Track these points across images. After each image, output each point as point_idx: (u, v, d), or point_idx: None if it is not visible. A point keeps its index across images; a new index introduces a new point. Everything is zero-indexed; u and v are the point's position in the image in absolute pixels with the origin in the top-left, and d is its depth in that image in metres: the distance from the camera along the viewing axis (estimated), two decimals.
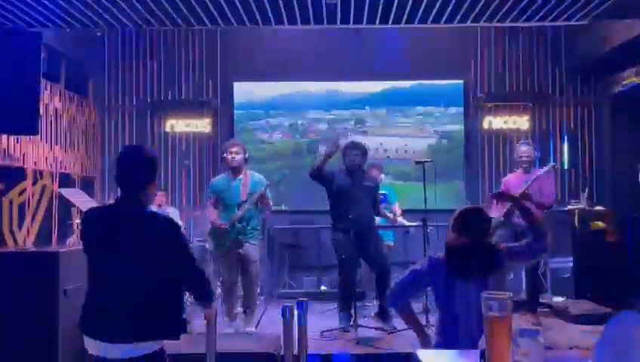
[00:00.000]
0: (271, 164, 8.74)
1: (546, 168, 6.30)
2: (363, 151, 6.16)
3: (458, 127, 8.79)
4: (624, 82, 7.68)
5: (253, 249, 5.93)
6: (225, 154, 6.00)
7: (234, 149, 5.93)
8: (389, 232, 7.36)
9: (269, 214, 6.33)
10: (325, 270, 8.15)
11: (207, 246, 7.12)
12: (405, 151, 8.70)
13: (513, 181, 6.39)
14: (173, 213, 7.75)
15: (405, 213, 7.45)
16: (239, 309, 6.12)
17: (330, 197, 6.16)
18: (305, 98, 8.90)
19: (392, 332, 5.81)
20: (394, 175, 8.50)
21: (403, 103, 8.82)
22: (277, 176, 6.16)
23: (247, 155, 6.02)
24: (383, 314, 6.06)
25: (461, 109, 8.80)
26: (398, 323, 6.06)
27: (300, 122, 8.90)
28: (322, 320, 6.24)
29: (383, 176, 7.41)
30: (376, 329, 5.93)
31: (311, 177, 6.10)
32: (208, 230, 6.13)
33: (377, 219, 6.71)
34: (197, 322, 5.87)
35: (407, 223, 7.34)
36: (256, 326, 5.97)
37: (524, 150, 6.36)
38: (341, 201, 6.04)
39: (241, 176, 5.94)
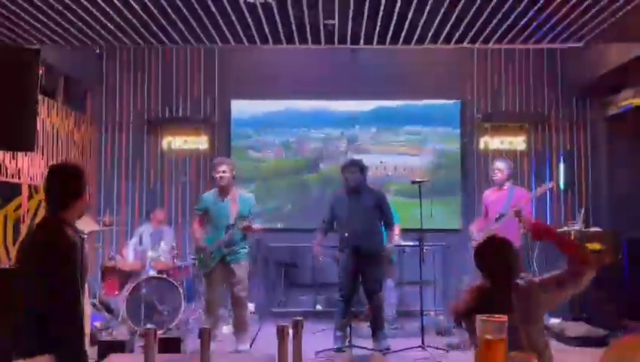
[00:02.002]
0: (269, 183, 8.74)
1: (544, 187, 6.41)
2: (361, 168, 6.15)
3: (450, 146, 8.79)
4: (620, 103, 7.72)
5: (240, 268, 5.91)
6: (213, 173, 6.03)
7: (222, 168, 5.94)
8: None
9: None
10: (321, 289, 8.11)
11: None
12: (404, 169, 8.71)
13: (491, 197, 6.46)
14: (168, 232, 7.74)
15: (402, 231, 7.44)
16: (218, 331, 6.07)
17: (334, 219, 6.20)
18: (294, 116, 8.88)
19: (387, 353, 5.78)
20: (394, 192, 8.48)
21: (393, 122, 8.82)
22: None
23: (234, 173, 6.04)
24: (376, 336, 6.03)
25: (451, 129, 8.80)
26: (393, 343, 6.04)
27: (291, 140, 8.89)
28: (317, 339, 6.20)
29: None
30: (371, 349, 5.90)
31: None
32: (195, 248, 6.15)
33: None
34: (190, 341, 5.85)
35: (403, 243, 7.33)
36: (250, 345, 5.93)
37: (496, 166, 6.43)
38: (340, 222, 6.06)
39: (229, 197, 5.95)
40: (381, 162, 8.72)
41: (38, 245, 2.70)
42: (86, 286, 3.18)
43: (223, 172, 5.92)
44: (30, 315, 2.64)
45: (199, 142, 8.74)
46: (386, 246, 6.25)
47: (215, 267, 5.89)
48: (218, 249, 5.84)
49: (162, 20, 5.70)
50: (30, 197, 6.93)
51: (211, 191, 6.25)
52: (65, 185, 2.85)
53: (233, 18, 5.64)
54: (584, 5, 5.24)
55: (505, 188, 6.41)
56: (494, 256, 3.03)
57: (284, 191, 8.78)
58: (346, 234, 5.88)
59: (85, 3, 5.25)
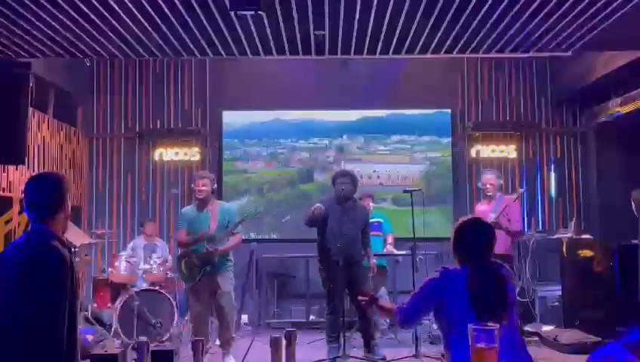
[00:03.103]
0: (266, 194, 8.73)
1: (515, 195, 6.43)
2: (352, 179, 6.16)
3: (442, 156, 8.82)
4: (609, 112, 7.79)
5: (224, 280, 5.89)
6: (193, 186, 6.05)
7: (202, 182, 5.96)
8: (382, 260, 7.35)
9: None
10: (314, 299, 8.09)
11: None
12: (397, 178, 8.73)
13: (480, 210, 6.49)
14: (161, 246, 7.71)
15: (395, 241, 7.45)
16: (210, 345, 6.04)
17: (320, 227, 6.16)
18: (281, 127, 8.88)
19: None
20: (390, 201, 8.49)
21: (383, 132, 8.84)
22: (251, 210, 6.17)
23: (214, 186, 6.06)
24: (368, 347, 6.01)
25: (442, 138, 8.84)
26: (386, 353, 6.03)
27: (279, 151, 8.89)
28: (311, 350, 6.18)
29: (372, 204, 7.42)
30: (366, 359, 5.88)
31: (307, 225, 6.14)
32: (179, 263, 6.12)
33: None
34: (183, 353, 5.81)
35: (396, 252, 7.33)
36: (244, 357, 5.89)
37: (487, 178, 6.45)
38: (330, 231, 6.03)
39: (209, 209, 5.95)
40: (374, 171, 8.75)
41: (31, 262, 2.60)
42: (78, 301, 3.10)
43: (203, 186, 5.94)
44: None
45: (190, 154, 8.74)
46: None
47: (200, 280, 5.87)
48: (202, 261, 5.83)
49: (153, 33, 5.72)
50: (21, 210, 6.90)
51: (190, 205, 6.29)
52: (51, 195, 2.77)
53: (224, 29, 5.66)
54: (571, 15, 5.30)
55: (494, 199, 6.43)
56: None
57: (283, 203, 8.75)
58: (338, 245, 5.87)
59: (75, 16, 5.25)
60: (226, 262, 5.95)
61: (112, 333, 6.61)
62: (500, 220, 5.98)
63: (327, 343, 6.03)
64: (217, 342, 6.21)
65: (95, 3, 4.99)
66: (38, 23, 5.39)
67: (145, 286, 6.79)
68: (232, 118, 8.85)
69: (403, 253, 7.19)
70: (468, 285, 2.92)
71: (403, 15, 5.35)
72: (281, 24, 5.52)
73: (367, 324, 6.07)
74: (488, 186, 6.41)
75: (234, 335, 6.14)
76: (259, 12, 5.14)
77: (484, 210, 6.44)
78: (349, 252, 5.91)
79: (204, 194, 5.94)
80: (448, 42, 6.08)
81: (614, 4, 5.06)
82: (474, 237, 3.17)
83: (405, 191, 6.47)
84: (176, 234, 6.38)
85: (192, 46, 6.10)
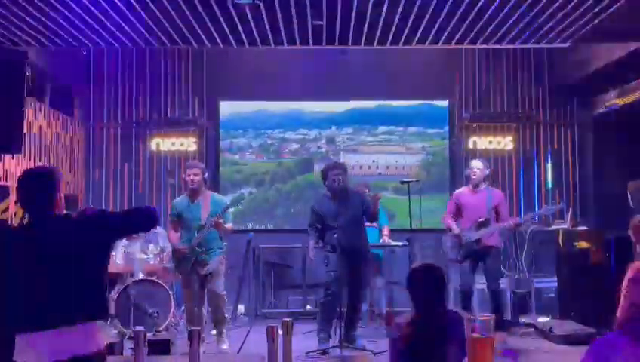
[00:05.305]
0: (261, 187, 8.71)
1: (555, 207, 6.51)
2: (343, 169, 6.20)
3: (439, 147, 8.81)
4: (607, 104, 7.79)
5: (214, 264, 5.91)
6: (184, 176, 6.05)
7: (193, 171, 5.96)
8: (379, 250, 7.36)
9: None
10: (311, 289, 8.11)
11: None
12: (396, 168, 8.72)
13: (467, 198, 6.49)
14: (160, 233, 7.70)
15: (392, 232, 7.46)
16: (209, 333, 6.05)
17: (323, 222, 6.17)
18: (266, 117, 8.80)
19: (378, 353, 5.78)
20: (391, 190, 8.46)
21: (379, 122, 8.78)
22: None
23: (205, 176, 6.05)
24: (348, 339, 5.98)
25: (439, 129, 8.81)
26: (383, 343, 6.05)
27: (269, 142, 8.85)
28: (307, 340, 6.19)
29: (368, 192, 7.42)
30: (361, 349, 5.91)
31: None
32: (171, 253, 6.14)
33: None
34: (179, 342, 5.83)
35: (392, 243, 7.35)
36: (241, 347, 5.91)
37: (475, 165, 6.46)
38: (328, 227, 6.04)
39: (200, 198, 5.96)
40: (373, 161, 8.73)
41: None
42: None
43: (195, 175, 5.94)
44: None
45: (187, 144, 8.73)
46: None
47: (191, 270, 5.90)
48: (192, 250, 5.85)
49: (150, 22, 5.70)
50: (17, 200, 6.87)
51: (182, 196, 6.28)
52: (53, 190, 2.87)
53: (221, 20, 5.64)
54: (569, 6, 5.29)
55: (481, 189, 6.41)
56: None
57: (284, 194, 8.72)
58: (335, 235, 5.87)
59: (72, 5, 5.23)
60: (217, 249, 5.97)
61: (108, 323, 6.62)
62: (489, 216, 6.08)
63: (318, 332, 6.03)
64: (213, 332, 6.22)
65: None
66: (35, 12, 5.37)
67: (141, 276, 6.79)
68: (223, 109, 8.78)
69: (399, 243, 7.21)
70: None
71: (401, 5, 5.34)
72: (279, 14, 5.51)
73: (355, 313, 6.07)
74: (475, 170, 6.42)
75: (227, 316, 6.15)
76: (256, 2, 5.13)
77: (472, 202, 6.38)
78: (348, 244, 5.89)
79: (195, 184, 5.94)
80: (446, 33, 6.08)
81: None
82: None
83: (402, 182, 6.48)
84: (167, 229, 6.36)
85: (189, 35, 6.08)
